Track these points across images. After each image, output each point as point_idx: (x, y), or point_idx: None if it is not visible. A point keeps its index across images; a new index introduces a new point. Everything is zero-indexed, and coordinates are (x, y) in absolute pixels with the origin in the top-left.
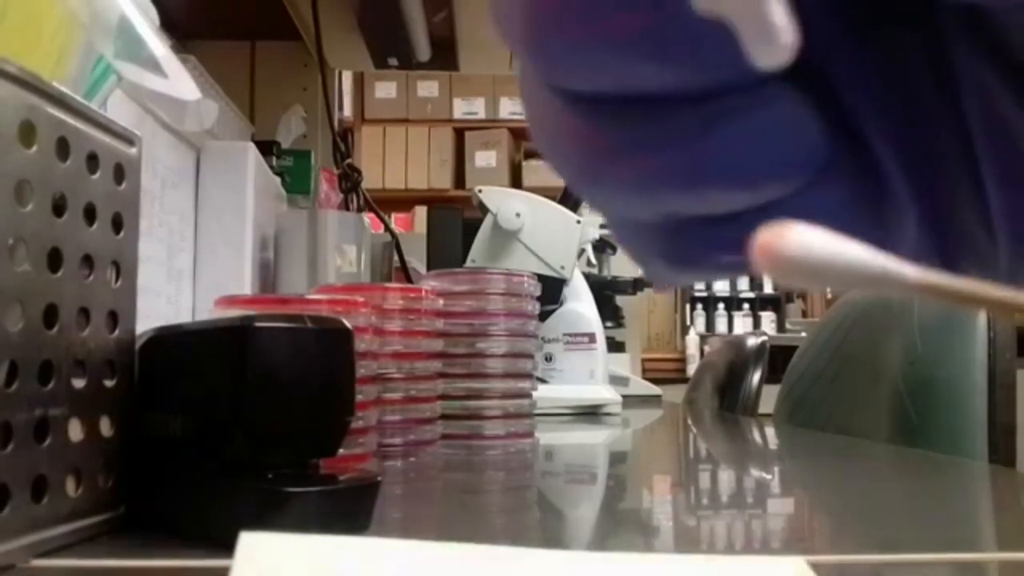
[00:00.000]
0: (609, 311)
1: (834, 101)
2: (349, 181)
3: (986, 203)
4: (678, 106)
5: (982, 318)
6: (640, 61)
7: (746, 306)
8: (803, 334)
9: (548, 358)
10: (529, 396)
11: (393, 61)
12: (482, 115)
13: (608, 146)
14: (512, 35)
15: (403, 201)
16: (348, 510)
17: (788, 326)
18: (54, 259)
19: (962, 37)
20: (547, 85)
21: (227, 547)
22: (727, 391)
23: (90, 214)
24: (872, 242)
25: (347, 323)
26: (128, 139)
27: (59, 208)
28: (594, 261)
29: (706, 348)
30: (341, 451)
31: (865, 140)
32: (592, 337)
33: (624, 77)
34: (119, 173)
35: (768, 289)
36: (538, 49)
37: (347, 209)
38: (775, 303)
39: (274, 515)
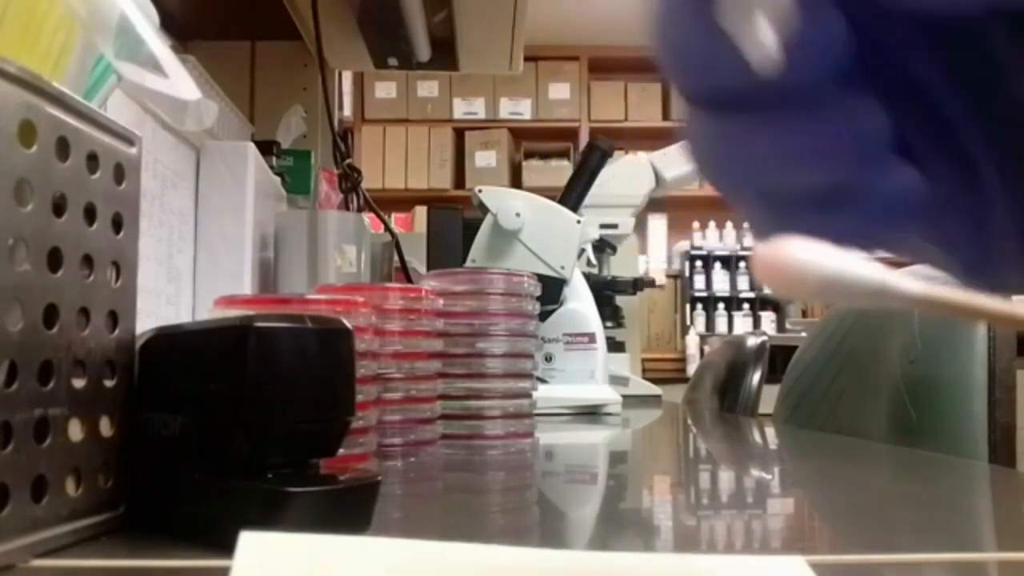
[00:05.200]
0: (609, 311)
1: (925, 103)
2: (349, 181)
3: None
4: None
5: None
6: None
7: (746, 306)
8: (803, 334)
9: (548, 358)
10: (529, 396)
11: (393, 61)
12: (482, 115)
13: (732, 131)
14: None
15: (403, 201)
16: (348, 510)
17: (788, 326)
18: (54, 259)
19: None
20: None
21: (227, 547)
22: (727, 391)
23: (90, 214)
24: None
25: (347, 323)
26: (128, 139)
27: (59, 208)
28: (594, 261)
29: (706, 348)
30: (341, 451)
31: (957, 139)
32: (592, 337)
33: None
34: (119, 173)
35: (768, 289)
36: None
37: (347, 209)
38: (775, 303)
39: (274, 515)
